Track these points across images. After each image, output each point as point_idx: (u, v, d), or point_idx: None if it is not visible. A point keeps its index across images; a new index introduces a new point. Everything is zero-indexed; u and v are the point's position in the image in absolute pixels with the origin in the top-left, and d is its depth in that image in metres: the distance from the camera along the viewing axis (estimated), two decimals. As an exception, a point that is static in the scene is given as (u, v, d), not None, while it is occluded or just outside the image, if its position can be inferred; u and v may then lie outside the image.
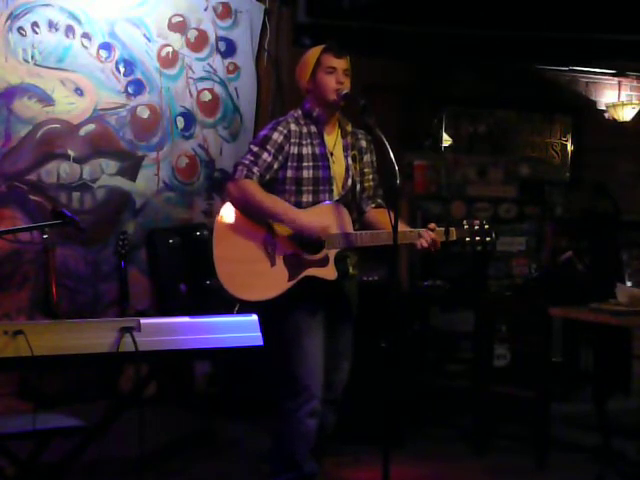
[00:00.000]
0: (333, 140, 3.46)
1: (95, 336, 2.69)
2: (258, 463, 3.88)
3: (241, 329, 2.94)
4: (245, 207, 3.32)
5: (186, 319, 2.88)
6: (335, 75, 3.38)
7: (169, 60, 5.44)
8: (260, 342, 2.96)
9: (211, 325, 2.89)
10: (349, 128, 3.53)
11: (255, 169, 3.32)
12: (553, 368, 4.84)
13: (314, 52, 3.44)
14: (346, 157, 3.48)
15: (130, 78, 5.29)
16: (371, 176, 3.57)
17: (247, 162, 3.33)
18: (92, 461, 3.38)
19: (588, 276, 5.71)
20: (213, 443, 4.48)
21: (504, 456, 4.50)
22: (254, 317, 2.98)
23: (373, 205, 3.56)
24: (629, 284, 5.04)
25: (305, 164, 3.37)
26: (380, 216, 3.49)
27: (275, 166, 3.36)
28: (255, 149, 3.35)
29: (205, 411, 4.84)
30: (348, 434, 4.24)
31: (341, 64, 3.41)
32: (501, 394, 4.52)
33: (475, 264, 5.24)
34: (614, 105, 7.29)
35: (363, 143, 3.55)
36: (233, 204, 3.34)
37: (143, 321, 2.77)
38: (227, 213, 3.35)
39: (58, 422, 3.03)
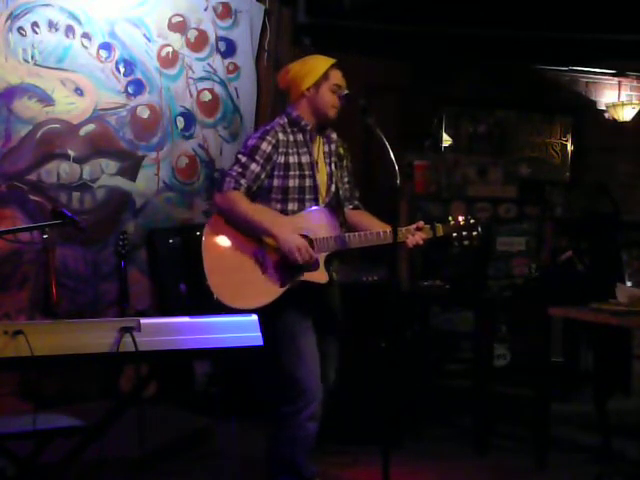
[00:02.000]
0: (316, 148, 3.47)
1: (95, 336, 2.69)
2: (257, 464, 3.87)
3: (241, 329, 2.94)
4: (232, 219, 3.33)
5: (186, 319, 2.88)
6: (338, 93, 3.40)
7: (169, 60, 5.44)
8: (260, 342, 2.95)
9: (211, 325, 2.89)
10: (334, 136, 3.54)
11: (242, 181, 3.32)
12: (553, 368, 4.83)
13: (323, 63, 3.43)
14: (329, 164, 3.48)
15: (130, 78, 5.29)
16: (347, 179, 3.58)
17: (235, 174, 3.33)
18: (92, 461, 3.38)
19: (588, 276, 5.70)
20: (213, 443, 4.48)
21: (504, 456, 4.50)
22: (254, 317, 2.98)
23: (351, 207, 3.58)
24: (629, 284, 5.03)
25: (292, 173, 3.37)
26: (359, 217, 3.54)
27: (262, 176, 3.36)
28: (243, 159, 3.35)
29: (205, 411, 4.84)
30: (347, 434, 4.25)
31: (344, 84, 3.42)
32: (501, 394, 4.52)
33: (475, 264, 5.23)
34: (614, 105, 7.29)
35: (341, 150, 3.56)
36: (221, 215, 3.36)
37: (143, 321, 2.77)
38: (215, 224, 3.36)
39: (58, 422, 3.03)
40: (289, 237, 3.28)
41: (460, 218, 3.45)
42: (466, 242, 3.44)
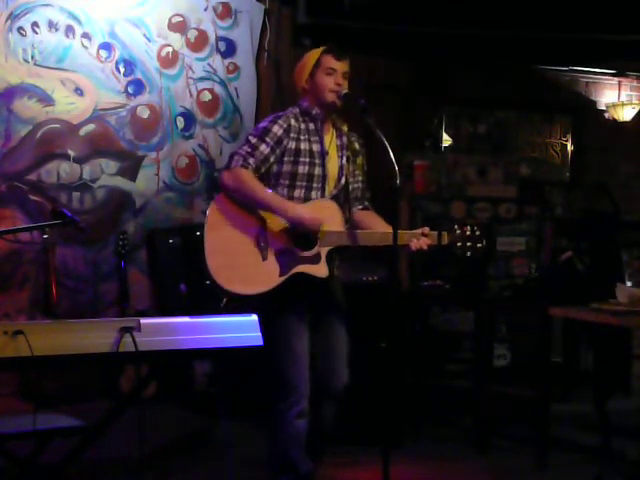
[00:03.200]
0: (329, 139, 3.47)
1: (95, 336, 2.69)
2: (257, 464, 3.87)
3: (241, 329, 2.94)
4: (239, 196, 3.30)
5: (186, 319, 2.88)
6: (334, 77, 3.40)
7: (169, 60, 5.44)
8: (260, 342, 2.96)
9: (211, 325, 2.89)
10: (345, 129, 3.54)
11: (251, 160, 3.31)
12: (553, 368, 4.83)
13: (314, 53, 3.46)
14: (340, 157, 3.48)
15: (130, 78, 5.29)
16: (360, 178, 3.57)
17: (244, 153, 3.32)
18: (92, 461, 3.38)
19: (588, 276, 5.70)
20: (213, 443, 4.48)
21: (504, 456, 4.50)
22: (254, 317, 2.99)
23: (360, 207, 3.57)
24: (629, 284, 5.03)
25: (302, 159, 3.37)
26: (367, 218, 3.53)
27: (272, 159, 3.35)
28: (253, 140, 3.34)
29: (205, 411, 4.84)
30: (347, 435, 4.24)
31: (341, 66, 3.42)
32: (501, 394, 4.51)
33: (475, 264, 5.23)
34: (614, 105, 7.29)
35: (356, 146, 3.56)
36: (227, 193, 3.32)
37: (143, 321, 2.77)
38: (220, 205, 3.33)
39: (58, 422, 3.03)
40: (297, 209, 3.29)
41: (467, 228, 3.44)
42: (469, 253, 3.44)
